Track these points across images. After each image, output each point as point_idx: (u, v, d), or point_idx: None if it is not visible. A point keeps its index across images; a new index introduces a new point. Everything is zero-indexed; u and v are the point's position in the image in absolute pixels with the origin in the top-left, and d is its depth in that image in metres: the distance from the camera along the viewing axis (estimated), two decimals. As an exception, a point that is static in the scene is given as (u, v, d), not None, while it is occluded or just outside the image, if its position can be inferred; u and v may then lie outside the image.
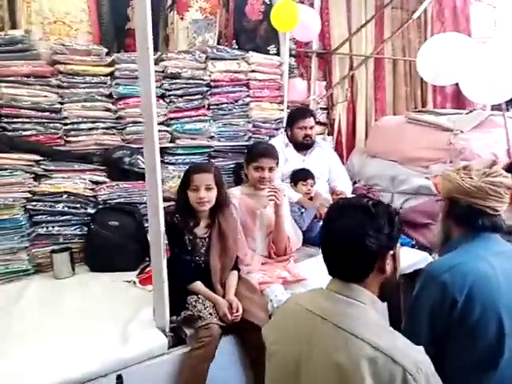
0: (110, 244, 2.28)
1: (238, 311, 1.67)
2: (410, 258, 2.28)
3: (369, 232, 1.01)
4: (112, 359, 1.47)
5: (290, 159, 2.94)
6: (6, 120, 2.35)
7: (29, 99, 2.39)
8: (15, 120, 2.37)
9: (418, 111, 3.61)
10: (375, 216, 1.03)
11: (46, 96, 2.44)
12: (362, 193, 2.84)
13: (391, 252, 1.06)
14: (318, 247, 2.41)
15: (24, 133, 2.38)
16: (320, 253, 2.45)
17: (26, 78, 2.38)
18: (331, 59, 3.83)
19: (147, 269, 2.25)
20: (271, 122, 3.27)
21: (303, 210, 2.66)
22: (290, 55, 3.58)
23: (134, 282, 2.12)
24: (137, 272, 2.25)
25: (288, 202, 2.19)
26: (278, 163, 2.07)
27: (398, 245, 1.11)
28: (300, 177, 2.78)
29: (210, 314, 1.64)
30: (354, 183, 3.29)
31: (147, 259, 2.24)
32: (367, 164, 3.30)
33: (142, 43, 1.52)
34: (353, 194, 3.09)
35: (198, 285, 1.76)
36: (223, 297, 1.75)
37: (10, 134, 2.35)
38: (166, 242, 1.76)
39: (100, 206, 2.43)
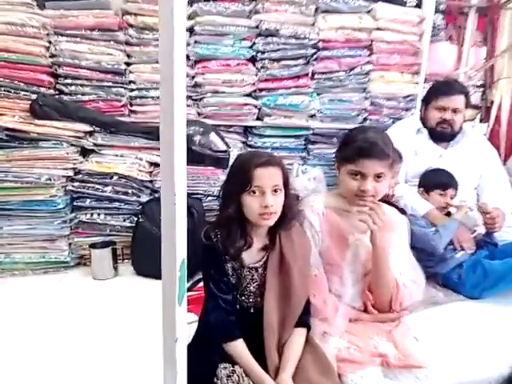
0: (158, 244, 1.76)
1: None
2: None
3: None
4: None
5: (420, 152, 2.06)
6: (63, 81, 1.98)
7: (90, 57, 1.98)
8: (74, 82, 1.99)
9: None
10: None
11: (110, 54, 2.00)
12: None
13: None
14: (453, 291, 1.55)
15: (82, 97, 2.00)
16: (453, 300, 1.56)
17: (89, 32, 1.96)
18: (499, 16, 2.72)
19: (200, 284, 1.69)
20: (399, 100, 2.40)
21: (433, 228, 1.80)
22: (437, 10, 2.60)
23: (174, 305, 1.57)
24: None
25: (404, 220, 1.36)
26: (392, 165, 1.25)
27: None
28: (437, 182, 1.89)
29: (243, 409, 0.98)
30: (517, 195, 2.24)
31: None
32: (542, 168, 2.21)
33: None
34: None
35: (239, 346, 1.11)
36: (276, 373, 1.08)
37: (66, 98, 1.98)
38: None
39: (157, 195, 1.94)
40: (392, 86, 2.37)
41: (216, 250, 1.14)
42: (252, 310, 1.19)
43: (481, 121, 2.86)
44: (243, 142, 2.30)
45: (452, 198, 1.86)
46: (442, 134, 2.05)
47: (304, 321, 1.19)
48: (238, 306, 1.19)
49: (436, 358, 1.22)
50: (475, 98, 2.84)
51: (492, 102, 2.81)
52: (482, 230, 1.90)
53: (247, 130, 2.30)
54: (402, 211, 1.91)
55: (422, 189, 1.92)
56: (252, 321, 1.17)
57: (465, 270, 1.69)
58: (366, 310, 1.28)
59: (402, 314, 1.28)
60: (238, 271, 1.17)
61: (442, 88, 2.04)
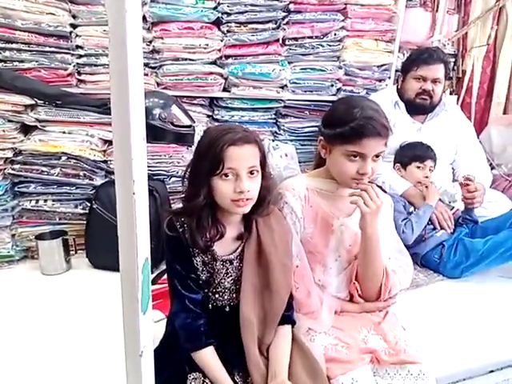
0: (116, 232, 1.57)
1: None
2: None
3: None
4: None
5: (397, 126, 1.95)
6: (-5, 45, 1.70)
7: (27, 17, 1.69)
8: (8, 46, 1.71)
9: None
10: None
11: (52, 13, 1.72)
12: None
13: None
14: (433, 271, 1.48)
15: (20, 65, 1.73)
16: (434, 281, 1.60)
17: (24, -15, 1.67)
18: (472, -18, 2.61)
19: (164, 276, 1.52)
20: (373, 70, 2.26)
21: (412, 208, 1.71)
22: (411, -27, 2.47)
23: (137, 301, 1.41)
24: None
25: (389, 199, 1.25)
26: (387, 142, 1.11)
27: None
28: (414, 154, 1.80)
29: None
30: (491, 169, 2.20)
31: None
32: (516, 141, 2.18)
33: None
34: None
35: (206, 355, 0.96)
36: (264, 379, 0.95)
37: (0, 65, 1.70)
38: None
39: (112, 177, 1.72)
40: (366, 55, 2.22)
41: (182, 242, 0.97)
42: (227, 309, 1.05)
43: (451, 92, 2.79)
44: (209, 116, 2.11)
45: (431, 171, 1.78)
46: (421, 106, 1.95)
47: (288, 317, 1.06)
48: (210, 306, 1.04)
49: (425, 346, 1.15)
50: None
51: (464, 73, 2.74)
52: (460, 206, 1.84)
53: (213, 102, 2.10)
54: (380, 189, 1.82)
55: (398, 164, 1.82)
56: (228, 321, 1.03)
57: (446, 250, 1.62)
58: (351, 300, 1.17)
59: (391, 303, 1.18)
60: (210, 265, 1.02)
61: (422, 56, 1.92)
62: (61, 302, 1.46)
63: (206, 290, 1.03)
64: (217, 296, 1.04)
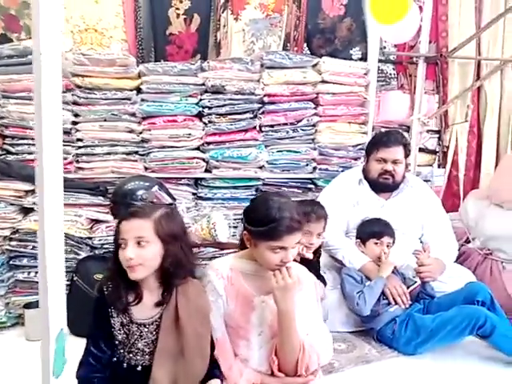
0: (92, 304, 1.75)
1: None
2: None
3: None
4: None
5: (362, 202, 2.07)
6: (11, 141, 2.05)
7: (37, 118, 2.05)
8: (20, 142, 2.06)
9: None
10: None
11: (58, 114, 2.07)
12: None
13: None
14: (388, 347, 1.46)
15: (28, 156, 2.05)
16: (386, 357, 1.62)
17: (36, 94, 2.05)
18: (447, 66, 2.82)
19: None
20: (348, 149, 2.44)
21: (368, 282, 1.79)
22: (387, 61, 2.72)
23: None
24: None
25: (311, 278, 1.35)
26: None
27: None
28: (371, 231, 1.90)
29: None
30: (467, 242, 2.23)
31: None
32: (488, 216, 2.21)
33: None
34: (459, 261, 2.07)
35: None
36: None
37: (12, 157, 2.04)
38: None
39: (97, 252, 1.95)
40: (340, 136, 2.41)
41: (105, 304, 1.15)
42: (139, 368, 1.17)
43: (439, 166, 2.90)
44: (194, 194, 2.33)
45: (388, 247, 1.85)
46: (384, 185, 2.06)
47: (215, 373, 1.18)
48: (125, 365, 1.17)
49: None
50: (432, 143, 2.90)
51: (448, 148, 2.86)
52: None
53: (197, 182, 2.34)
54: (341, 263, 1.92)
55: (358, 240, 1.91)
56: (140, 380, 1.15)
57: (398, 326, 1.66)
58: (272, 374, 1.25)
59: (309, 379, 1.25)
60: (127, 327, 1.16)
61: (382, 140, 2.07)
62: (37, 366, 1.62)
63: (121, 350, 1.16)
64: (131, 355, 1.16)
